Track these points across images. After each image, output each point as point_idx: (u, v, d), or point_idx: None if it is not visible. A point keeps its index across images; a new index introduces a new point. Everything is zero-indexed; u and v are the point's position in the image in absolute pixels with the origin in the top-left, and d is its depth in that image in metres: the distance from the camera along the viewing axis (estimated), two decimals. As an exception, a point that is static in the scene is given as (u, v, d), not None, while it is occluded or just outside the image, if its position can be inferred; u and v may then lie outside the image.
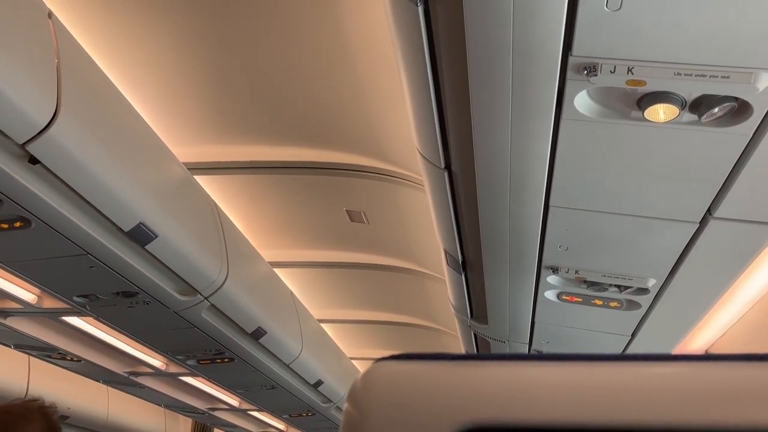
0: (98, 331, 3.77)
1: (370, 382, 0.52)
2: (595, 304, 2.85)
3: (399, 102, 2.35)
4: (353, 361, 5.80)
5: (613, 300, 2.77)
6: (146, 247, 2.68)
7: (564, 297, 2.86)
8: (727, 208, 1.94)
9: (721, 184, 1.85)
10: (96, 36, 2.44)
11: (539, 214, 2.20)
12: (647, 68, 1.47)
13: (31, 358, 4.50)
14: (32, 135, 1.97)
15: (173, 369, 4.42)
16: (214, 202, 3.26)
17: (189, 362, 4.14)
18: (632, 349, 3.26)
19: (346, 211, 3.58)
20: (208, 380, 4.70)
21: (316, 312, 4.86)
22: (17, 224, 2.36)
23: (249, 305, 3.57)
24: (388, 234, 3.84)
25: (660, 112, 1.60)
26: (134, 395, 5.42)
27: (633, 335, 3.13)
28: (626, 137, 1.75)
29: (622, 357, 0.52)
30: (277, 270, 4.17)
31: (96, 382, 5.04)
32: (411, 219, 3.59)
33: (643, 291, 2.63)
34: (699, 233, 2.11)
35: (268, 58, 2.55)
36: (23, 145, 1.99)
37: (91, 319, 3.43)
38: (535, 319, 3.22)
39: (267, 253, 3.93)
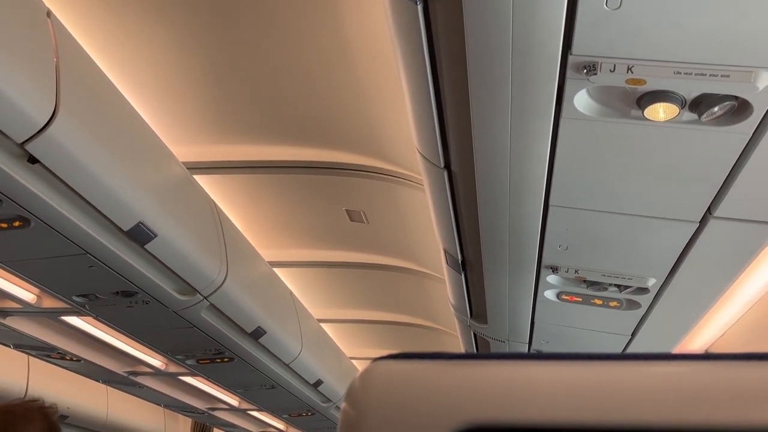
0: (98, 330, 3.77)
1: (368, 381, 0.52)
2: (594, 304, 2.85)
3: (399, 102, 2.35)
4: (353, 361, 5.80)
5: (613, 300, 2.77)
6: (146, 246, 2.68)
7: (564, 296, 2.86)
8: (727, 207, 1.94)
9: (721, 183, 1.85)
10: (95, 35, 2.44)
11: (539, 213, 2.20)
12: (647, 67, 1.47)
13: (30, 357, 4.50)
14: (31, 134, 1.97)
15: (173, 369, 4.42)
16: (214, 202, 3.26)
17: (188, 362, 4.14)
18: (632, 349, 3.26)
19: (346, 210, 3.58)
20: (207, 380, 4.70)
21: (315, 312, 4.86)
22: (16, 224, 2.36)
23: (248, 305, 3.57)
24: (387, 234, 3.84)
25: (660, 111, 1.60)
26: (134, 395, 5.42)
27: (633, 335, 3.13)
28: (626, 136, 1.75)
29: (622, 356, 0.52)
30: (276, 270, 4.17)
31: (95, 382, 5.04)
32: (411, 219, 3.59)
33: (643, 290, 2.63)
34: (699, 233, 2.11)
35: (267, 58, 2.55)
36: (22, 145, 1.99)
37: (90, 318, 3.43)
38: (535, 319, 3.22)
39: (266, 253, 3.93)
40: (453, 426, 0.48)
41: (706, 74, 1.46)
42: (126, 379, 4.72)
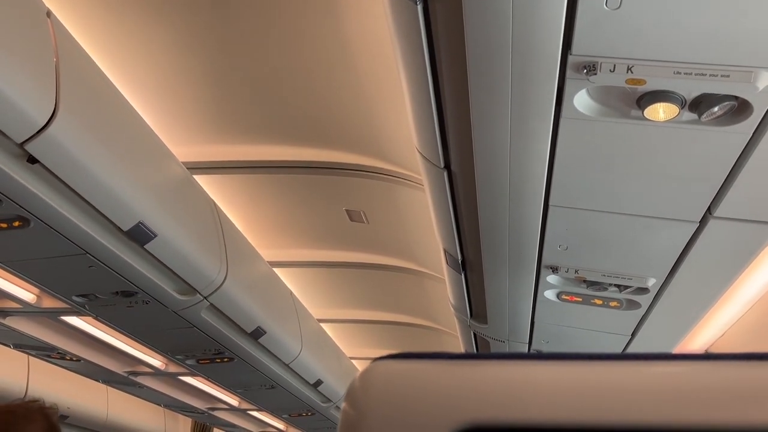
0: (97, 330, 3.77)
1: (368, 381, 0.52)
2: (594, 304, 2.85)
3: (399, 102, 2.35)
4: (353, 361, 5.80)
5: (613, 300, 2.77)
6: (145, 246, 2.68)
7: (564, 296, 2.86)
8: (727, 207, 1.94)
9: (721, 183, 1.85)
10: (95, 35, 2.44)
11: (539, 213, 2.20)
12: (647, 67, 1.47)
13: (30, 357, 4.50)
14: (31, 134, 1.97)
15: (173, 369, 4.42)
16: (214, 202, 3.26)
17: (188, 362, 4.14)
18: (632, 349, 3.26)
19: (346, 210, 3.58)
20: (207, 380, 4.70)
21: (315, 311, 4.85)
22: (16, 224, 2.36)
23: (248, 305, 3.57)
24: (387, 234, 3.84)
25: (660, 111, 1.60)
26: (134, 395, 5.42)
27: (633, 335, 3.13)
28: (626, 136, 1.75)
29: (622, 356, 0.52)
30: (276, 270, 4.17)
31: (95, 382, 5.04)
32: (411, 219, 3.59)
33: (643, 290, 2.63)
34: (699, 233, 2.11)
35: (267, 58, 2.55)
36: (22, 145, 1.99)
37: (90, 318, 3.43)
38: (535, 319, 3.22)
39: (266, 253, 3.93)
40: (453, 426, 0.48)
41: (706, 74, 1.46)
42: (126, 379, 4.72)
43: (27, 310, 3.38)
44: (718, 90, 1.51)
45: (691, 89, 1.52)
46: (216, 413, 5.88)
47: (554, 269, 2.62)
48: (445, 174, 2.20)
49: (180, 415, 6.49)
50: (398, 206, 3.48)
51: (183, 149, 2.97)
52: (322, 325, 5.06)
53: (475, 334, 3.80)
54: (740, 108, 1.55)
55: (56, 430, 1.77)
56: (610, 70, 1.49)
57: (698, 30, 1.37)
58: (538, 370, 0.51)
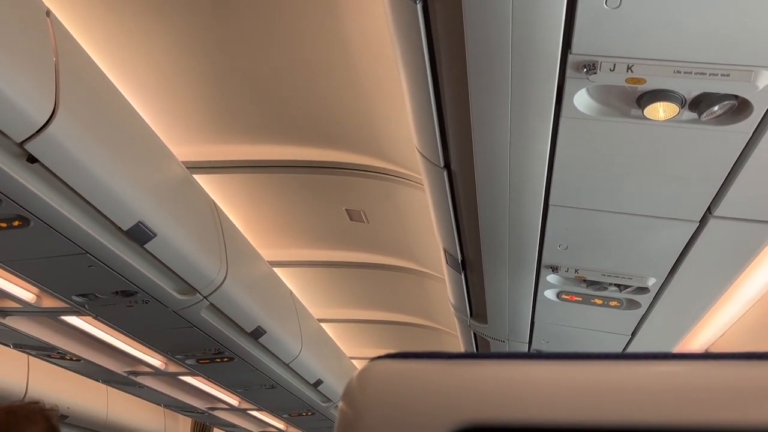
0: (97, 330, 3.77)
1: (366, 380, 0.51)
2: (594, 304, 2.84)
3: (399, 101, 2.35)
4: (353, 361, 5.80)
5: (613, 299, 2.77)
6: (145, 246, 2.68)
7: (564, 296, 2.86)
8: (727, 206, 1.94)
9: (721, 182, 1.85)
10: (95, 35, 2.43)
11: (539, 212, 2.20)
12: (647, 66, 1.47)
13: (30, 357, 4.50)
14: (30, 133, 1.97)
15: (172, 368, 4.42)
16: (214, 202, 3.26)
17: (188, 362, 4.14)
18: (632, 349, 3.26)
19: (346, 210, 3.58)
20: (207, 380, 4.70)
21: (315, 311, 4.85)
22: (16, 223, 2.36)
23: (248, 304, 3.57)
24: (387, 233, 3.84)
25: (660, 111, 1.59)
26: (134, 395, 5.42)
27: (633, 334, 3.13)
28: (626, 136, 1.75)
29: (621, 356, 0.52)
30: (276, 269, 4.17)
31: (95, 382, 5.04)
32: (411, 218, 3.59)
33: (643, 290, 2.63)
34: (699, 232, 2.11)
35: (267, 57, 2.55)
36: (21, 144, 1.99)
37: (90, 318, 3.43)
38: (535, 319, 3.22)
39: (266, 253, 3.93)
40: (451, 425, 0.48)
41: (706, 73, 1.46)
42: (126, 379, 4.72)
43: (27, 310, 3.38)
44: (718, 89, 1.51)
45: (691, 88, 1.52)
46: (216, 413, 5.88)
47: (554, 269, 2.62)
48: (445, 173, 2.20)
49: (180, 415, 6.49)
50: (398, 206, 3.48)
51: (183, 149, 2.97)
52: (322, 324, 5.06)
53: (475, 334, 3.80)
54: (740, 107, 1.55)
55: None
56: (610, 69, 1.49)
57: (698, 29, 1.37)
58: (538, 370, 0.51)
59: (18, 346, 4.18)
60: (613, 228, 2.24)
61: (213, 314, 3.45)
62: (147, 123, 2.65)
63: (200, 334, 3.60)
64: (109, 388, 5.30)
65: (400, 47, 1.77)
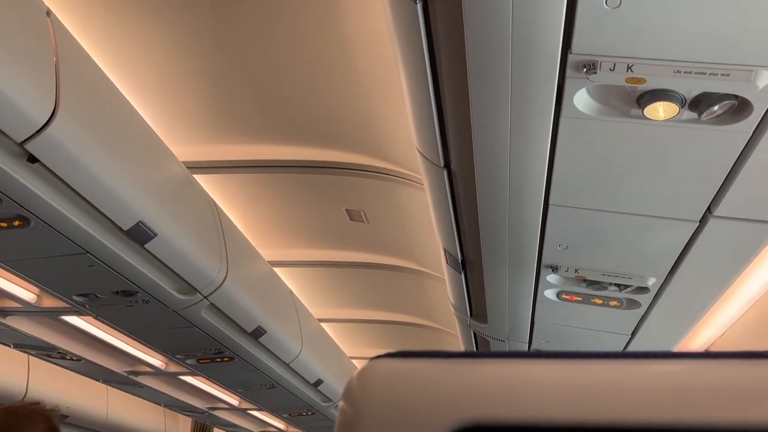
0: (98, 330, 3.77)
1: (366, 379, 0.52)
2: (594, 303, 2.84)
3: (399, 101, 2.35)
4: (353, 360, 5.80)
5: (613, 299, 2.77)
6: (145, 246, 2.68)
7: (564, 296, 2.86)
8: (727, 206, 1.94)
9: (721, 182, 1.85)
10: (95, 35, 2.43)
11: (539, 212, 2.20)
12: (647, 66, 1.47)
13: (30, 357, 4.50)
14: (31, 133, 1.97)
15: (173, 368, 4.42)
16: (214, 201, 3.26)
17: (189, 361, 4.14)
18: (632, 348, 3.25)
19: (346, 210, 3.58)
20: (207, 379, 4.70)
21: (315, 311, 4.85)
22: (16, 223, 2.36)
23: (248, 304, 3.57)
24: (387, 233, 3.84)
25: (660, 110, 1.59)
26: (134, 394, 5.42)
27: (633, 334, 3.13)
28: (626, 135, 1.75)
29: (621, 355, 0.52)
30: (276, 269, 4.17)
31: (96, 382, 5.04)
32: (411, 218, 3.59)
33: (643, 290, 2.63)
34: (699, 232, 2.11)
35: (267, 57, 2.55)
36: (22, 144, 1.99)
37: (90, 318, 3.43)
38: (535, 318, 3.22)
39: (266, 252, 3.93)
40: (451, 424, 0.48)
41: (705, 73, 1.46)
42: (126, 379, 4.72)
43: (27, 310, 3.38)
44: (718, 89, 1.51)
45: (691, 88, 1.52)
46: (216, 413, 5.88)
47: (554, 268, 2.62)
48: (445, 173, 2.20)
49: (180, 415, 6.49)
50: (398, 206, 3.48)
51: (183, 149, 2.97)
52: (322, 324, 5.06)
53: (475, 334, 3.80)
54: (740, 107, 1.55)
55: None
56: (610, 69, 1.49)
57: (698, 29, 1.37)
58: (538, 369, 0.51)
59: (18, 346, 4.18)
60: (613, 228, 2.24)
61: (213, 314, 3.45)
62: (147, 123, 2.65)
63: (200, 334, 3.60)
64: (110, 387, 5.30)
65: (400, 47, 1.77)
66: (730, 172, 1.80)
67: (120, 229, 2.54)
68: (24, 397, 4.48)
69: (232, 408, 5.70)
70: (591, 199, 2.11)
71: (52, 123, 1.98)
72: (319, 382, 4.92)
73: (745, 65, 1.43)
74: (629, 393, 0.48)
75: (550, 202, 2.15)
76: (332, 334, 5.35)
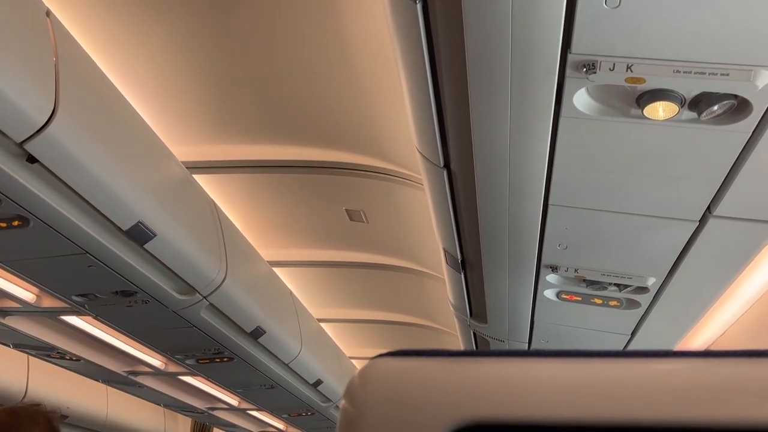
0: (97, 330, 3.76)
1: (367, 378, 0.52)
2: (594, 303, 2.84)
3: (399, 101, 2.35)
4: (353, 361, 5.80)
5: (613, 299, 2.77)
6: (145, 246, 2.68)
7: (563, 296, 2.86)
8: (726, 206, 1.94)
9: (721, 182, 1.85)
10: (95, 35, 2.43)
11: (538, 212, 2.20)
12: (646, 66, 1.47)
13: (30, 357, 4.49)
14: (30, 133, 1.97)
15: (172, 368, 4.42)
16: (213, 201, 3.26)
17: (188, 362, 4.14)
18: (632, 348, 3.26)
19: (346, 210, 3.58)
20: (207, 380, 4.70)
21: (315, 311, 4.85)
22: (15, 223, 2.36)
23: (248, 304, 3.57)
24: (387, 233, 3.84)
25: (659, 110, 1.60)
26: (133, 395, 5.42)
27: (633, 334, 3.13)
28: (625, 135, 1.75)
29: (621, 354, 0.52)
30: (276, 269, 4.17)
31: (95, 382, 5.04)
32: (410, 218, 3.59)
33: (643, 290, 2.63)
34: (699, 231, 2.11)
35: (267, 57, 2.55)
36: (21, 144, 1.99)
37: (90, 318, 3.43)
38: (535, 318, 3.22)
39: (266, 253, 3.93)
40: (452, 423, 0.48)
41: (705, 73, 1.46)
42: (126, 379, 4.71)
43: (27, 310, 3.37)
44: (718, 89, 1.51)
45: (690, 88, 1.52)
46: (216, 413, 5.88)
47: (554, 268, 2.62)
48: (445, 173, 2.20)
49: (179, 415, 6.49)
50: (398, 206, 3.48)
51: (183, 149, 2.97)
52: (322, 324, 5.06)
53: (475, 334, 3.80)
54: (740, 107, 1.55)
55: None
56: (610, 69, 1.49)
57: (698, 29, 1.37)
58: (538, 368, 0.51)
59: (18, 346, 4.18)
60: (613, 228, 2.24)
61: (213, 314, 3.45)
62: (147, 123, 2.65)
63: (200, 334, 3.60)
64: (109, 388, 5.30)
65: (400, 47, 1.77)
66: (729, 172, 1.80)
67: (119, 229, 2.54)
68: (24, 397, 4.48)
69: (231, 408, 5.69)
70: (591, 199, 2.11)
71: (52, 123, 1.98)
72: (318, 382, 4.92)
73: (745, 65, 1.43)
74: (629, 392, 0.48)
75: (550, 202, 2.15)
76: (332, 334, 5.35)
